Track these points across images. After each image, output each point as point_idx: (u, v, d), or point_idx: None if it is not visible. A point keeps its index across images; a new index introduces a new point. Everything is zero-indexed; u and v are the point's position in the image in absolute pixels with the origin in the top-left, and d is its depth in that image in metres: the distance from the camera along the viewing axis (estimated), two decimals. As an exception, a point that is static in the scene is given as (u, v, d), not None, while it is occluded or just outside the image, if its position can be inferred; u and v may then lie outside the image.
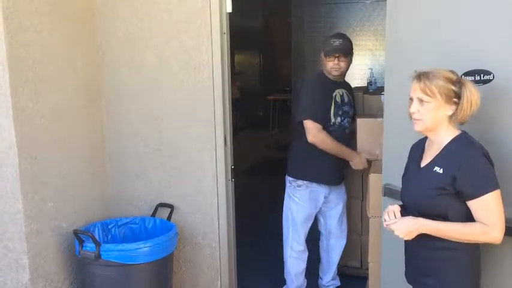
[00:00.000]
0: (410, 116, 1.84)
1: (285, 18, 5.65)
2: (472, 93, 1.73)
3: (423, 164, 1.86)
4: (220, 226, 3.02)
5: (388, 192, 2.28)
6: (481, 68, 1.92)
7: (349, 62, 3.06)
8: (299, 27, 5.54)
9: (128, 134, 3.08)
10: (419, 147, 1.94)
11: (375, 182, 2.71)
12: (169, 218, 2.97)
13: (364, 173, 3.32)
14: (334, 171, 3.14)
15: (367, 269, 2.99)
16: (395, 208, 1.85)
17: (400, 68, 2.22)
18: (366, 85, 3.95)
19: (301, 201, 3.13)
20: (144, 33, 2.93)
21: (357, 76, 5.30)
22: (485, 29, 1.93)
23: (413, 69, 2.18)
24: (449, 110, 1.75)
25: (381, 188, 2.36)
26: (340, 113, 3.07)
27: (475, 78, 1.94)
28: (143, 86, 3.00)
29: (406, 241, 1.92)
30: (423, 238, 1.78)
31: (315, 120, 2.96)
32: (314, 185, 3.11)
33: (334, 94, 3.06)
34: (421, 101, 1.76)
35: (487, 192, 1.68)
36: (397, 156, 2.11)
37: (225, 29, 2.86)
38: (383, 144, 2.38)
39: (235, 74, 4.46)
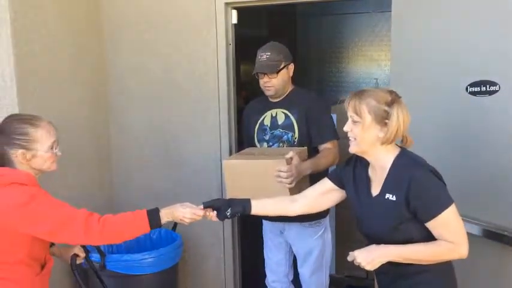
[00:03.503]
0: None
1: (290, 28, 5.66)
2: (399, 115, 1.62)
3: (374, 192, 1.72)
4: (225, 237, 3.02)
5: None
6: (487, 79, 1.92)
7: (283, 76, 2.44)
8: (304, 37, 5.55)
9: (133, 144, 3.09)
10: (362, 171, 1.78)
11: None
12: (174, 228, 2.96)
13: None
14: None
15: (374, 280, 2.96)
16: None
17: (405, 79, 2.22)
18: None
19: (264, 224, 2.72)
20: (151, 44, 2.95)
21: (362, 86, 5.30)
22: (491, 39, 1.92)
23: (418, 79, 2.18)
24: (381, 131, 1.63)
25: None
26: (267, 137, 2.51)
27: (480, 89, 1.93)
28: (149, 97, 3.02)
29: (376, 272, 1.82)
30: (390, 266, 1.69)
31: (241, 145, 2.77)
32: None
33: (263, 116, 2.53)
34: (353, 120, 1.67)
35: (443, 210, 1.59)
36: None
37: (231, 39, 2.88)
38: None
39: (241, 83, 4.47)
